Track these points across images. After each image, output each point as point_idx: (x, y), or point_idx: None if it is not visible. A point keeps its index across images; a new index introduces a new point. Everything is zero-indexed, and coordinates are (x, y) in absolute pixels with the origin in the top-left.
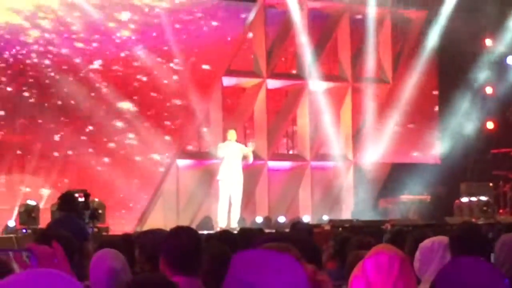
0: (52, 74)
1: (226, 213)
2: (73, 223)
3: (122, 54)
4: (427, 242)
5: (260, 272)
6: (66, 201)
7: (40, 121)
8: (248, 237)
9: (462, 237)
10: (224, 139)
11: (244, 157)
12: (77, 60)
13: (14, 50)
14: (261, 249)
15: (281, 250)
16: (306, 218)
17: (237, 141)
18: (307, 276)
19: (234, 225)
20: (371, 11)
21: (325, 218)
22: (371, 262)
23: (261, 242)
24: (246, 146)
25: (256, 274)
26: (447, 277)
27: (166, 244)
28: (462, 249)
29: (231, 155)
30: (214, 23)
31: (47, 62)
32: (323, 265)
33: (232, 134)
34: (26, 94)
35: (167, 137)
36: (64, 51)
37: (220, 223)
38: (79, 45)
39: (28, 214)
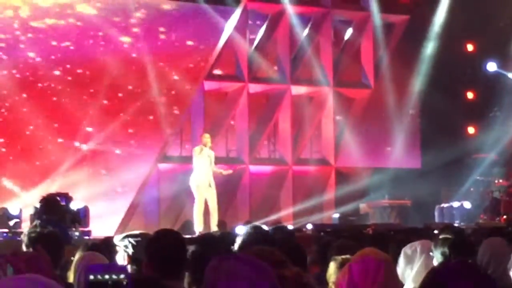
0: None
1: (202, 217)
2: (55, 226)
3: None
4: (410, 246)
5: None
6: (47, 204)
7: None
8: (229, 241)
9: (447, 241)
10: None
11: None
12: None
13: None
14: (237, 257)
15: (267, 253)
16: (288, 223)
17: (211, 148)
18: (292, 278)
19: (214, 229)
20: (354, 15)
21: (307, 222)
22: (357, 266)
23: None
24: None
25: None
26: (436, 279)
27: (150, 247)
28: (447, 253)
29: (204, 161)
30: (195, 27)
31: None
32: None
33: (207, 137)
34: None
35: (148, 142)
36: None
37: (198, 228)
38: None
39: (8, 217)
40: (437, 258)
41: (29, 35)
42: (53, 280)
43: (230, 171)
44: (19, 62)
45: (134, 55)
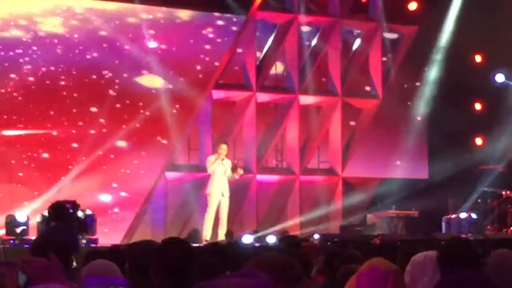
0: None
1: (212, 226)
2: (64, 234)
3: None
4: (418, 257)
5: None
6: (56, 211)
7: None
8: (237, 250)
9: (452, 252)
10: (214, 152)
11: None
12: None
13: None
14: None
15: (286, 267)
16: (295, 233)
17: (227, 155)
18: None
19: (222, 239)
20: (362, 25)
21: (314, 231)
22: (365, 276)
23: (253, 255)
24: (235, 160)
25: None
26: None
27: (158, 255)
28: (453, 264)
29: (219, 171)
30: (204, 36)
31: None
32: (312, 279)
33: (224, 149)
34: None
35: (156, 150)
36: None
37: (206, 237)
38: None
39: (15, 225)
40: (443, 269)
41: (34, 47)
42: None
43: (241, 172)
44: (26, 70)
45: (141, 64)
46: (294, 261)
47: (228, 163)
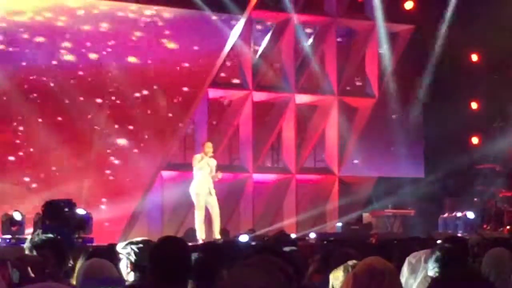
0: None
1: (204, 225)
2: (59, 232)
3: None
4: (414, 255)
5: None
6: (50, 210)
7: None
8: (233, 249)
9: (448, 250)
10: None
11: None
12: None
13: None
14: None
15: (279, 264)
16: (291, 232)
17: (213, 152)
18: None
19: (217, 237)
20: (359, 24)
21: (310, 230)
22: (361, 274)
23: (251, 254)
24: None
25: None
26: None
27: (154, 254)
28: (448, 262)
29: (204, 169)
30: (201, 35)
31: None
32: (308, 277)
33: (209, 147)
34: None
35: (151, 149)
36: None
37: (200, 236)
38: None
39: (11, 223)
40: (429, 268)
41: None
42: (65, 285)
43: (220, 175)
44: (23, 68)
45: (138, 63)
46: (289, 262)
47: (213, 162)
